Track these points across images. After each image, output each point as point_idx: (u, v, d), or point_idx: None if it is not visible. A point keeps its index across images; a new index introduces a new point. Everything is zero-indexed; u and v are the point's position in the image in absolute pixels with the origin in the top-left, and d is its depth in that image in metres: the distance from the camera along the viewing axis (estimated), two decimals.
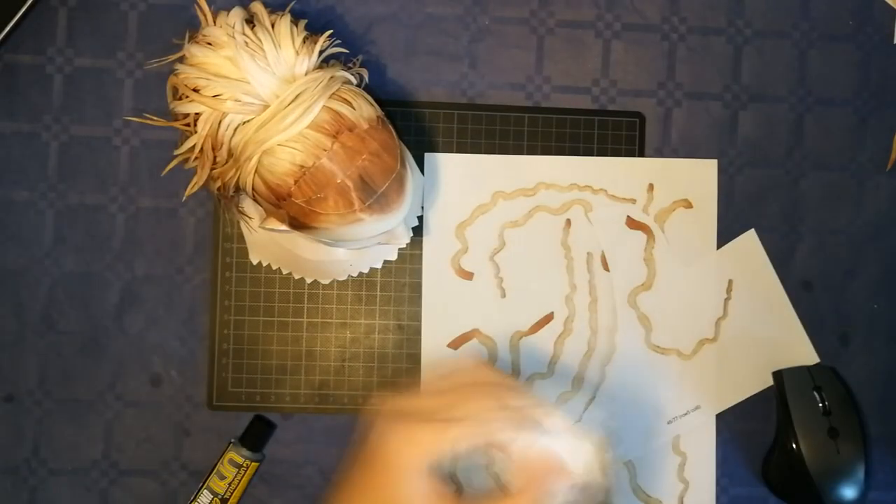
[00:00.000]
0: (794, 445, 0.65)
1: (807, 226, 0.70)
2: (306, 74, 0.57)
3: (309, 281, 0.67)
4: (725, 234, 0.69)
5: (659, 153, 0.69)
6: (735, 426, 0.69)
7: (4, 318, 0.67)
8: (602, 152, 0.69)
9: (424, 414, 0.50)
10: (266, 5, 0.59)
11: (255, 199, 0.59)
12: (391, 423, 0.50)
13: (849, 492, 0.65)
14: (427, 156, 0.68)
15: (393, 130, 0.59)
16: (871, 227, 0.70)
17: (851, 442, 0.65)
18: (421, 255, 0.68)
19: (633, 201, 0.69)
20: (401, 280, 0.68)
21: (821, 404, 0.66)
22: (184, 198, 0.66)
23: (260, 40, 0.57)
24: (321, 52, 0.59)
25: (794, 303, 0.69)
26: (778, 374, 0.67)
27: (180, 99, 0.57)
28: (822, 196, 0.70)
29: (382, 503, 0.49)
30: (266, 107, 0.56)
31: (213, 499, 0.64)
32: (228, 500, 0.64)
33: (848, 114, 0.70)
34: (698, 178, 0.69)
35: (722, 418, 0.69)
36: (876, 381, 0.69)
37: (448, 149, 0.69)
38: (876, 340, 0.70)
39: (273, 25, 0.58)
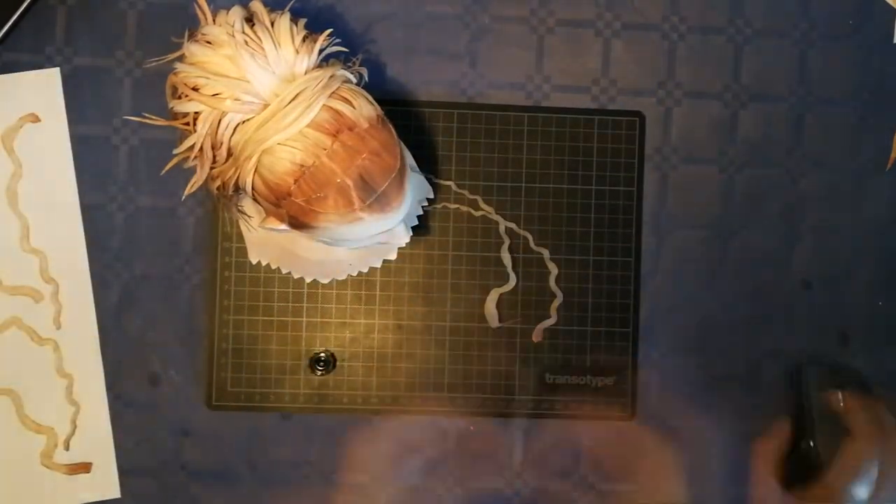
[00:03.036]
0: (811, 441, 0.65)
1: (807, 226, 0.70)
2: (306, 73, 0.57)
3: (308, 280, 0.67)
4: (725, 234, 0.69)
5: (659, 152, 0.69)
6: (739, 425, 0.69)
7: None
8: (602, 152, 0.69)
9: None
10: (265, 4, 0.59)
11: (254, 199, 0.58)
12: None
13: (861, 491, 0.65)
14: None
15: (393, 130, 0.59)
16: (871, 227, 0.70)
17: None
18: (421, 254, 0.68)
19: None
20: (401, 280, 0.68)
21: (842, 403, 0.66)
22: (183, 197, 0.66)
23: (259, 39, 0.57)
24: (321, 51, 0.59)
25: (795, 302, 0.69)
26: (800, 370, 0.67)
27: (179, 98, 0.57)
28: (822, 196, 0.70)
29: None
30: (266, 106, 0.56)
31: None
32: None
33: (848, 114, 0.70)
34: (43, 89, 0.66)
35: (725, 418, 0.68)
36: (876, 381, 0.69)
37: (448, 148, 0.68)
38: (876, 340, 0.70)
39: (272, 24, 0.57)
